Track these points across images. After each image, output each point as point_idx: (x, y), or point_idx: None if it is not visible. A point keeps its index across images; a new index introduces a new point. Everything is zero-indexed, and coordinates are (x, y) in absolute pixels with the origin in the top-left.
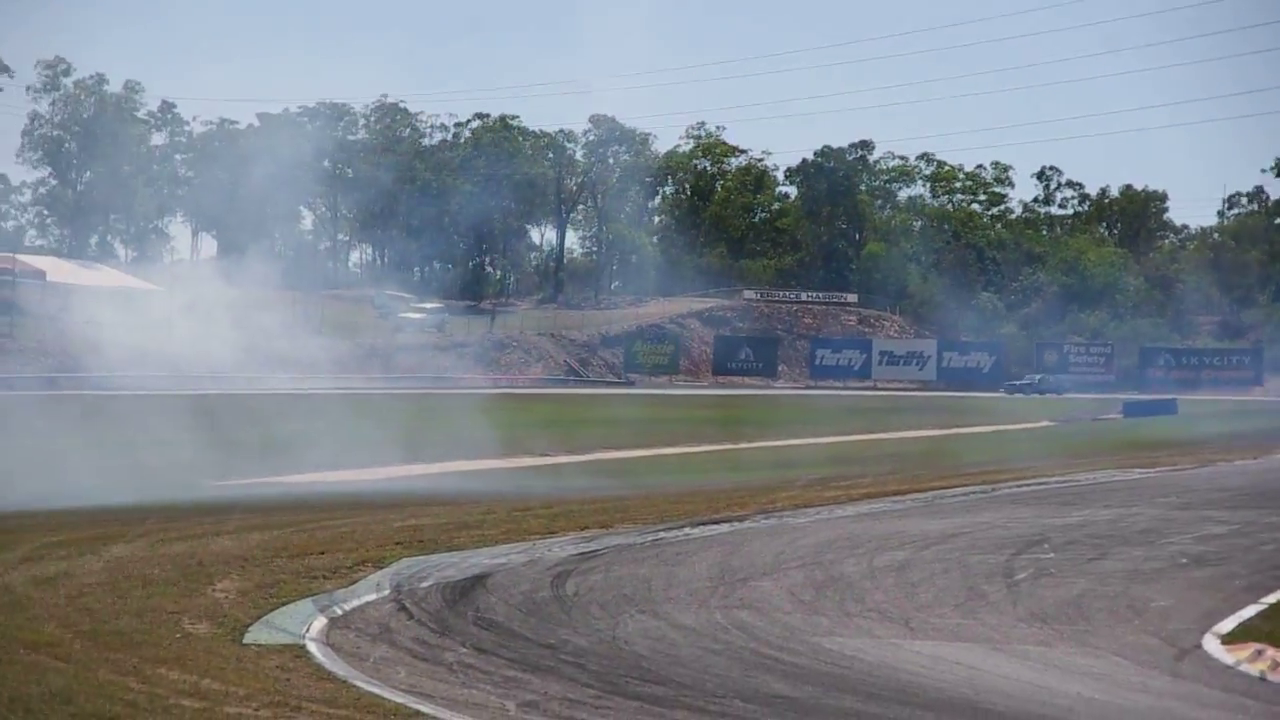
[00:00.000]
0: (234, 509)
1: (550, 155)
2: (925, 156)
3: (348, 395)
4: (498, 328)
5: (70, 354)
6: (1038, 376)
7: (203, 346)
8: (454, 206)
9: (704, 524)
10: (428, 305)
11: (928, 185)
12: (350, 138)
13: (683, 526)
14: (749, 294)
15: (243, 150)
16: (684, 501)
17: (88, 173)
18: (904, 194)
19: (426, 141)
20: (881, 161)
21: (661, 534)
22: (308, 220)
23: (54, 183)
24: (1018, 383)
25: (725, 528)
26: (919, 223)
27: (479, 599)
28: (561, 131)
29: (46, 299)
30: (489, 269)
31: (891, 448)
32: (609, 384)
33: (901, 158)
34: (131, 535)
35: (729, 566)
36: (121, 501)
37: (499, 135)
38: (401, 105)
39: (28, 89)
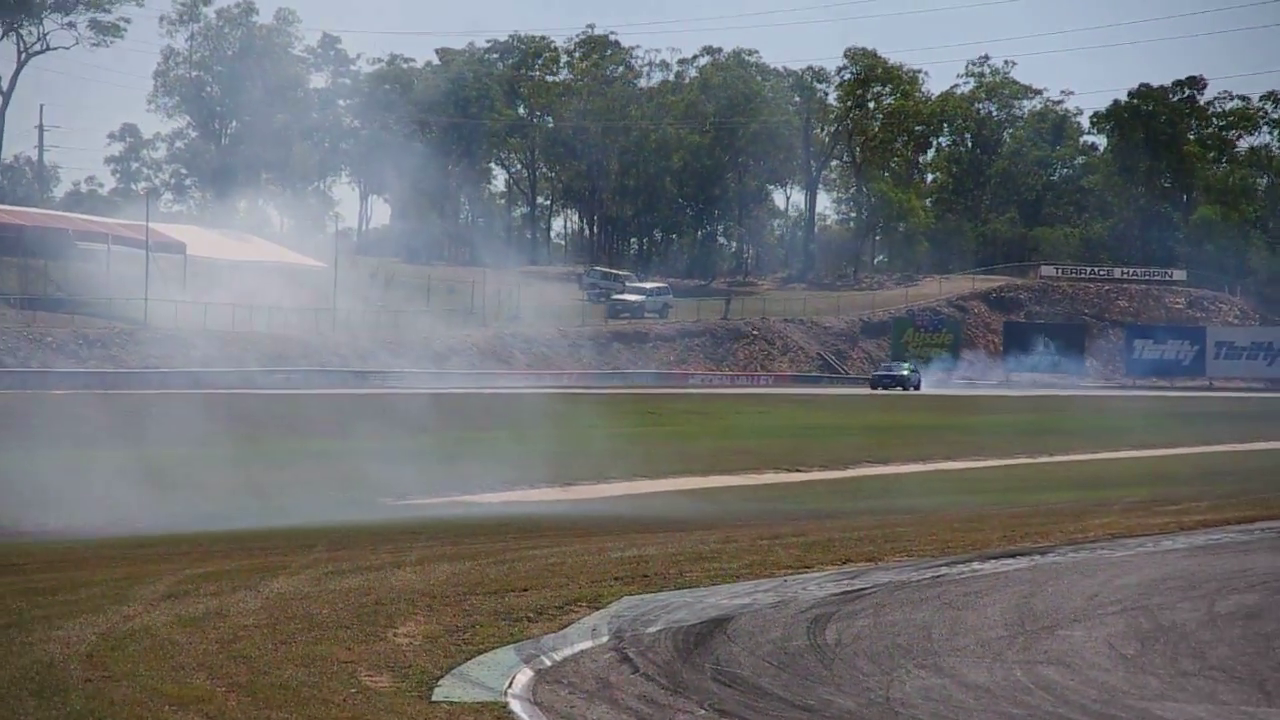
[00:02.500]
0: (417, 534)
1: (797, 99)
2: (1272, 96)
3: (548, 394)
4: (734, 312)
5: (217, 343)
6: None
7: (374, 336)
8: (678, 163)
9: (996, 557)
10: (648, 285)
11: (1276, 133)
12: (550, 78)
13: (969, 560)
14: (1047, 270)
15: (420, 94)
16: (970, 529)
17: (233, 123)
18: (1245, 144)
19: (643, 83)
20: (1215, 104)
21: (943, 570)
22: (499, 180)
23: (193, 135)
24: None
25: (1023, 562)
26: (1264, 180)
27: (718, 648)
28: (810, 70)
29: (187, 277)
30: (722, 240)
31: (1232, 463)
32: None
33: (1241, 98)
34: (295, 566)
35: (1030, 611)
36: (281, 524)
37: (732, 75)
38: (611, 38)
39: (160, 20)
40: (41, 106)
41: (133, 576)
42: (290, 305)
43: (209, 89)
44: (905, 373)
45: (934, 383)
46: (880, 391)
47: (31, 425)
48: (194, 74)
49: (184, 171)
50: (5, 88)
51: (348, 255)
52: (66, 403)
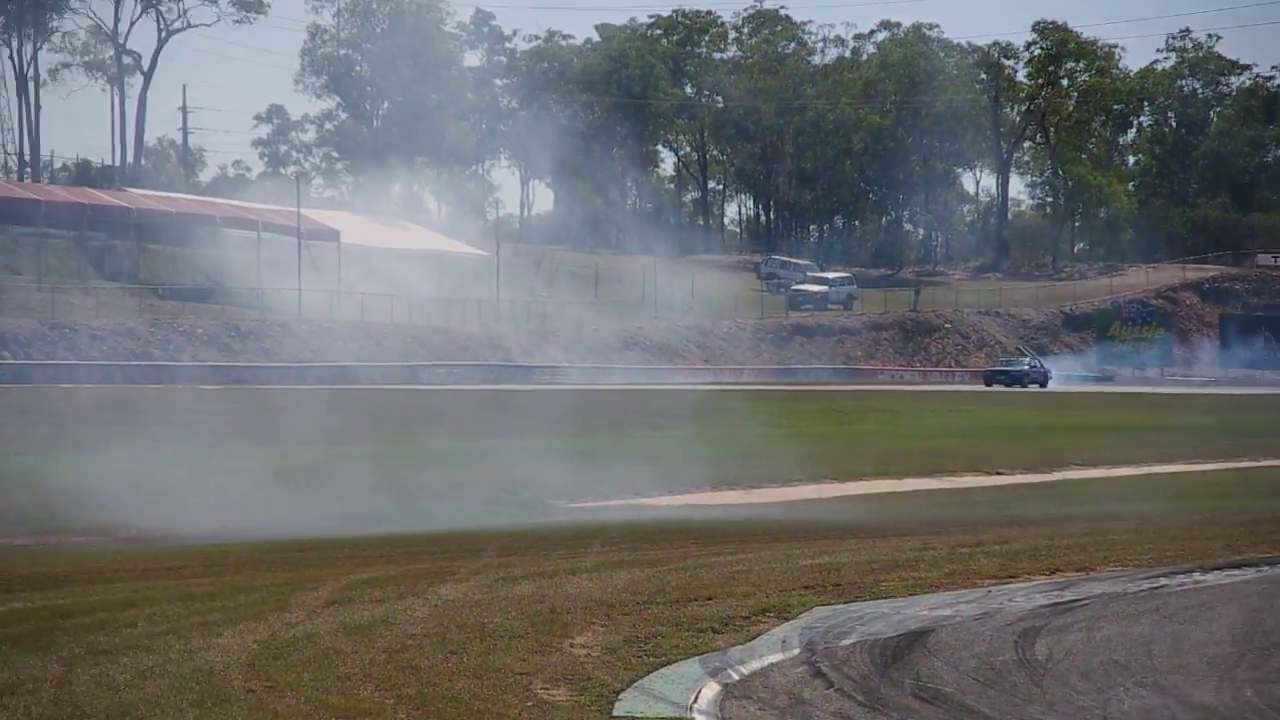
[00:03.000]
0: (593, 538)
1: (984, 76)
2: None
3: (724, 392)
4: (923, 304)
5: (372, 336)
6: None
7: (537, 329)
8: (858, 145)
9: (1220, 568)
10: (830, 275)
11: None
12: (717, 55)
13: (1190, 571)
14: (1265, 259)
15: (579, 73)
16: (1190, 537)
17: (385, 104)
18: None
19: (817, 60)
20: None
21: (1161, 580)
22: (667, 164)
23: (343, 116)
24: None
25: (1250, 574)
26: None
27: (919, 662)
28: (997, 45)
29: (341, 266)
30: (908, 227)
31: None
32: (1078, 378)
33: None
34: (464, 572)
35: (1260, 626)
36: (447, 527)
37: (913, 50)
38: (782, 13)
39: None
40: (184, 87)
41: (293, 582)
42: (449, 296)
43: (358, 68)
44: (1025, 368)
45: (1141, 380)
46: (998, 389)
47: (185, 422)
48: (342, 52)
49: (335, 155)
50: (146, 67)
51: (508, 243)
52: (216, 398)
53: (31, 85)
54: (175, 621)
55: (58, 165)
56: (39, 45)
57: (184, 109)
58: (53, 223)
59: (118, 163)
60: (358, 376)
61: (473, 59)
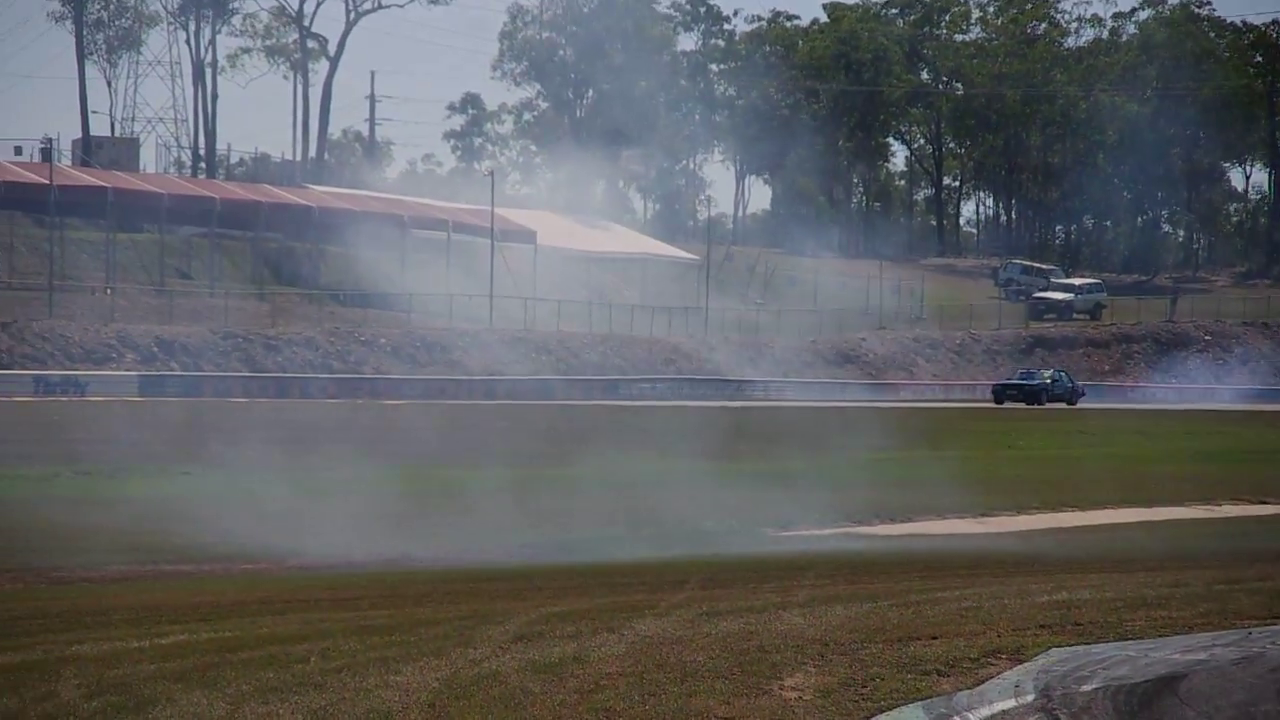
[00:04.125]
0: (806, 569)
1: (1259, 58)
2: None
3: (957, 408)
4: (1181, 313)
5: (571, 346)
6: None
7: (753, 340)
8: (1112, 138)
9: None
10: (1076, 281)
11: None
12: (959, 37)
13: None
14: None
15: (805, 57)
16: None
17: (590, 92)
18: None
19: (1070, 42)
20: None
21: None
22: (899, 158)
23: (544, 106)
24: None
25: None
26: None
27: (1168, 712)
28: (1275, 24)
29: (539, 269)
30: (1167, 228)
31: None
32: None
33: None
34: (664, 605)
35: None
36: (647, 555)
37: (1180, 31)
38: None
39: None
40: (372, 74)
41: (479, 615)
42: (653, 303)
43: (562, 53)
44: (1045, 381)
45: None
46: (1008, 406)
47: (364, 440)
48: (545, 35)
49: (533, 148)
50: (333, 52)
51: (721, 245)
52: (398, 414)
53: (209, 72)
54: (350, 657)
55: (234, 160)
56: (218, 28)
57: (371, 98)
58: (227, 223)
59: (298, 157)
60: (552, 391)
61: (687, 42)
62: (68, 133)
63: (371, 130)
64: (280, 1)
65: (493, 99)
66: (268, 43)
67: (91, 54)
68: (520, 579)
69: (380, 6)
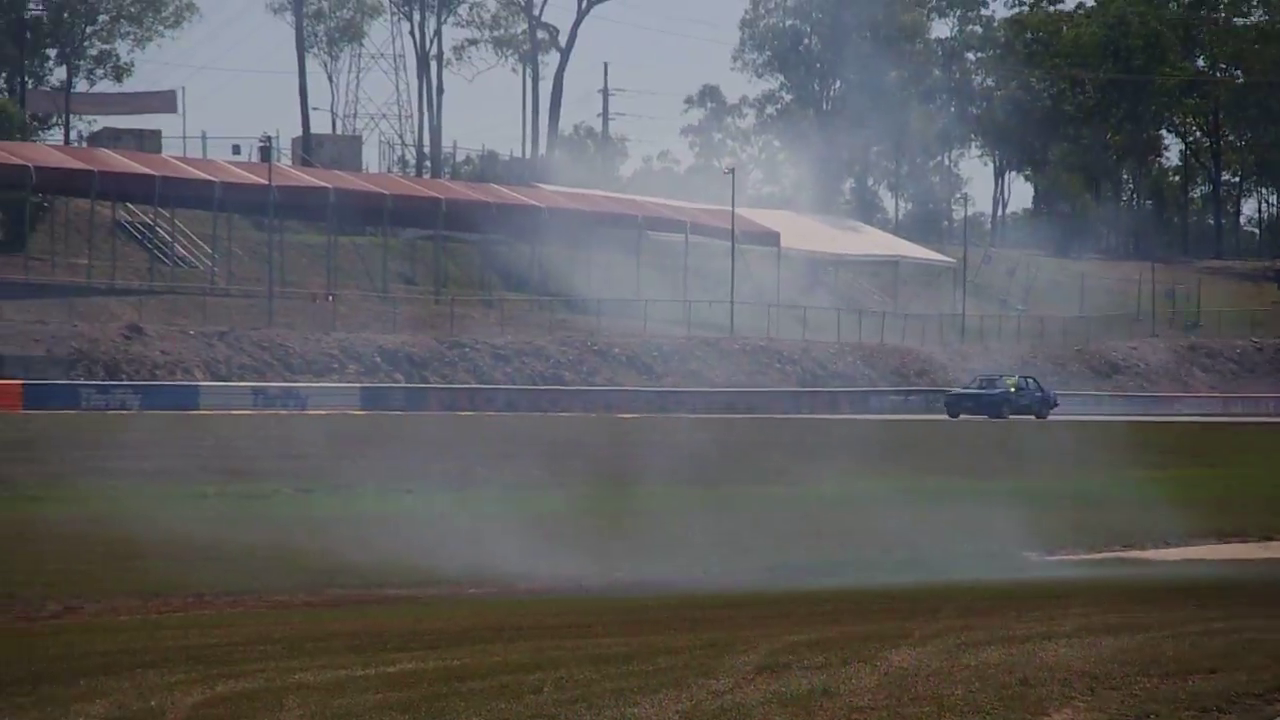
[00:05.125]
0: (1073, 597)
1: None
2: None
3: (1238, 424)
4: None
5: (816, 356)
6: None
7: (1011, 347)
8: None
9: None
10: None
11: None
12: (1239, 20)
13: None
14: None
15: (1069, 44)
16: None
17: (836, 83)
18: None
19: None
20: None
21: None
22: (1172, 152)
23: (787, 99)
24: None
25: None
26: None
27: None
28: None
29: (782, 273)
30: None
31: None
32: None
33: None
34: (917, 635)
35: None
36: (898, 581)
37: None
38: None
39: None
40: (605, 66)
41: (719, 643)
42: (905, 310)
43: (807, 42)
44: (1007, 390)
45: None
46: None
47: (596, 457)
48: (788, 23)
49: (776, 144)
50: (563, 44)
51: (978, 247)
52: (630, 429)
53: (434, 65)
54: (585, 687)
55: (460, 158)
56: (443, 19)
57: (604, 92)
58: (453, 224)
59: (527, 154)
60: (797, 404)
61: (941, 29)
62: (287, 130)
63: (604, 126)
64: None
65: (733, 92)
66: (495, 34)
67: (312, 47)
68: (762, 605)
69: None
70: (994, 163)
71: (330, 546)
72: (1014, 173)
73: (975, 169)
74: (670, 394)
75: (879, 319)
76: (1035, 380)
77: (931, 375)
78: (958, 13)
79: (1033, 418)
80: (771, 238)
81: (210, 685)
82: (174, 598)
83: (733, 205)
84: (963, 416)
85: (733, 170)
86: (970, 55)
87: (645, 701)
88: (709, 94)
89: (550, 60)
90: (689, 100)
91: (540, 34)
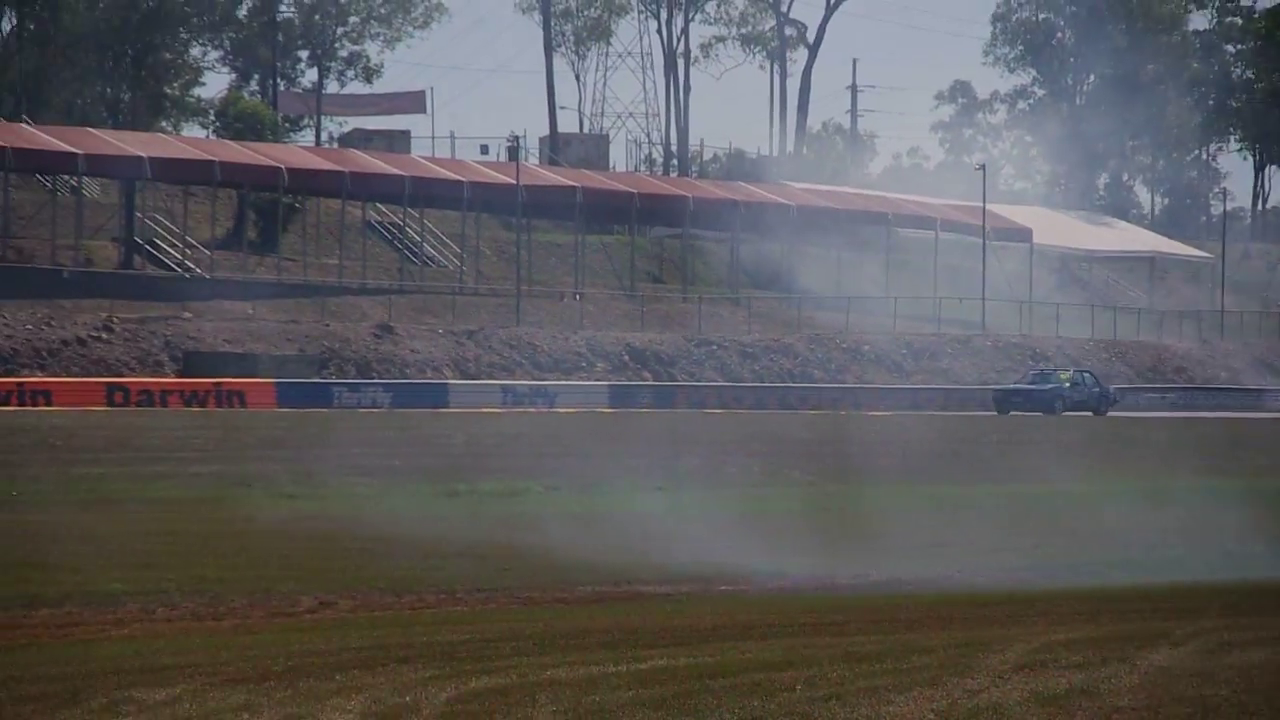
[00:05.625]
0: None
1: None
2: None
3: None
4: None
5: (1067, 354)
6: None
7: (1270, 344)
8: None
9: None
10: None
11: None
12: None
13: None
14: None
15: None
16: None
17: (1090, 77)
18: None
19: None
20: None
21: None
22: None
23: (1039, 94)
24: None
25: None
26: None
27: None
28: None
29: (1034, 271)
30: None
31: None
32: None
33: None
34: (1179, 634)
35: None
36: (1159, 580)
37: None
38: None
39: None
40: (854, 62)
41: (974, 641)
42: (1164, 306)
43: (1060, 35)
44: (1061, 385)
45: None
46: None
47: (843, 455)
48: (1041, 16)
49: (1028, 139)
50: (811, 40)
51: (1237, 243)
52: (886, 425)
53: (681, 63)
54: (838, 685)
55: (707, 156)
56: (690, 17)
57: (853, 88)
58: (700, 223)
59: (774, 151)
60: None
61: (1199, 20)
62: (535, 130)
63: (853, 122)
64: None
65: (984, 87)
66: (743, 31)
67: (560, 46)
68: (1018, 603)
69: None
70: (1253, 156)
71: (580, 543)
72: (1274, 166)
73: (1234, 163)
74: (920, 391)
75: (1134, 316)
76: (1093, 375)
77: (1189, 373)
78: (1216, 4)
79: (1090, 414)
80: (1023, 234)
81: (463, 681)
82: (427, 594)
83: (983, 201)
84: (1013, 413)
85: (983, 166)
86: (1230, 48)
87: (899, 700)
88: (959, 89)
89: (798, 57)
90: (939, 96)
91: (788, 30)
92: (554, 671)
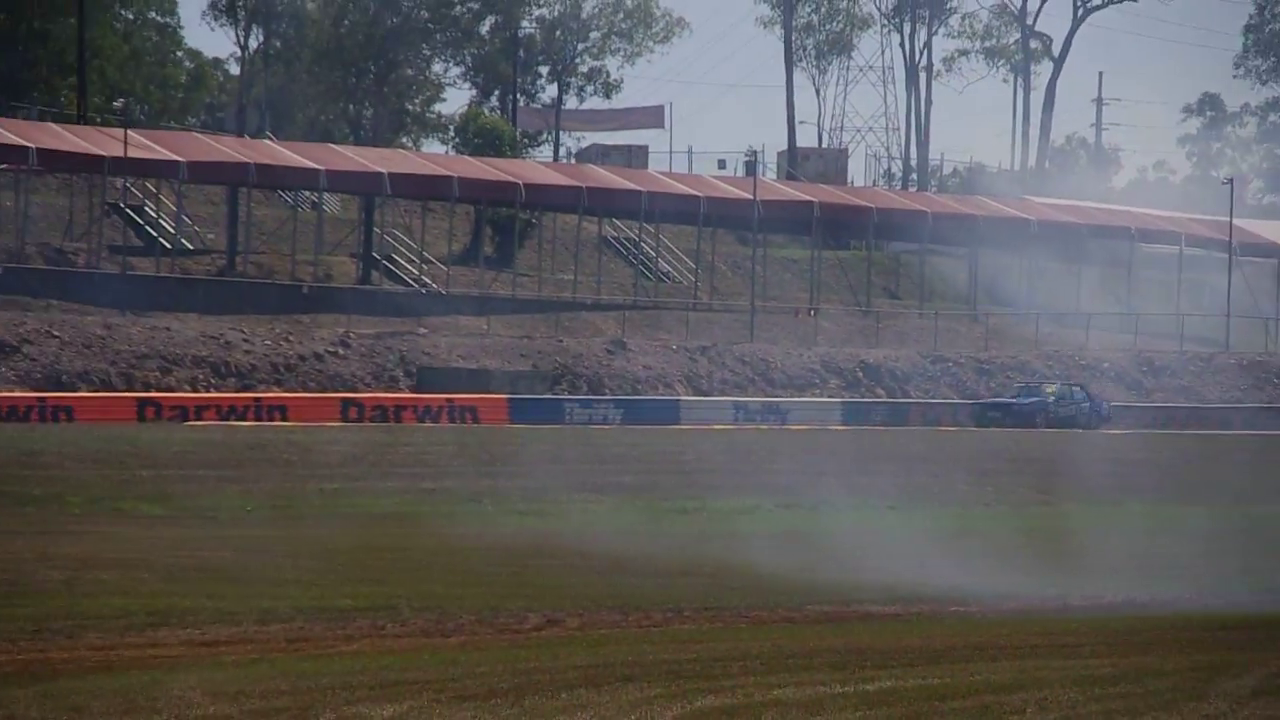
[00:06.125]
0: None
1: None
2: None
3: None
4: None
5: None
6: None
7: None
8: None
9: None
10: None
11: None
12: None
13: None
14: None
15: None
16: None
17: None
18: None
19: None
20: None
21: None
22: None
23: None
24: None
25: None
26: None
27: None
28: None
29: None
30: None
31: None
32: None
33: None
34: None
35: None
36: None
37: None
38: None
39: None
40: (1099, 75)
41: (1212, 665)
42: None
43: None
44: (1045, 399)
45: None
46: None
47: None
48: None
49: (1279, 153)
50: (1056, 53)
51: None
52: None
53: (923, 77)
54: (1069, 709)
55: (946, 170)
56: (934, 30)
57: (1098, 101)
58: (938, 238)
59: (1016, 166)
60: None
61: None
62: (772, 144)
63: (1098, 136)
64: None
65: (1234, 99)
66: (987, 44)
67: (800, 60)
68: (1257, 627)
69: (1110, 2)
70: None
71: (809, 562)
72: None
73: None
74: (1161, 409)
75: None
76: (1083, 389)
77: None
78: None
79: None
80: (1272, 249)
81: (689, 700)
82: (654, 612)
83: (1230, 216)
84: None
85: (1231, 180)
86: None
87: None
88: (1208, 102)
89: (1042, 70)
90: (1187, 109)
91: (1033, 43)
92: (780, 691)
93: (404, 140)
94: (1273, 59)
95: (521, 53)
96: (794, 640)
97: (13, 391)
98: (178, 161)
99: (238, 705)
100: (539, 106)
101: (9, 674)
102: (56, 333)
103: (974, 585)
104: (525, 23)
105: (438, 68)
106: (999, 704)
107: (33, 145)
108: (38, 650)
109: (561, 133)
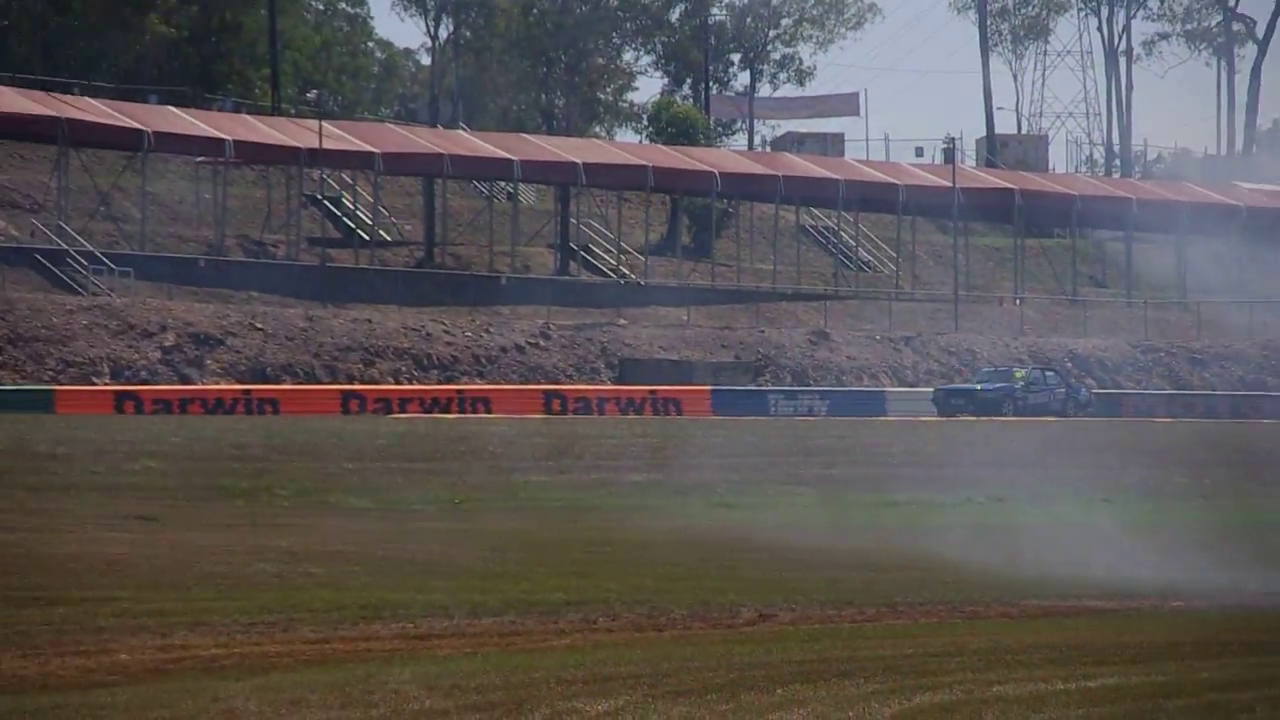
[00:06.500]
0: None
1: None
2: None
3: None
4: None
5: None
6: None
7: None
8: None
9: None
10: None
11: None
12: None
13: None
14: None
15: None
16: None
17: None
18: None
19: None
20: None
21: None
22: None
23: None
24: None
25: None
26: None
27: None
28: None
29: None
30: None
31: None
32: None
33: None
34: None
35: None
36: None
37: None
38: None
39: None
40: None
41: None
42: None
43: None
44: (1012, 385)
45: None
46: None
47: None
48: None
49: None
50: (1260, 35)
51: None
52: None
53: (1123, 61)
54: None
55: (1151, 156)
56: (1133, 13)
57: None
58: (1144, 225)
59: (1221, 150)
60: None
61: None
62: (970, 131)
63: None
64: None
65: None
66: (1188, 27)
67: (996, 46)
68: None
69: None
70: None
71: (1024, 556)
72: None
73: None
74: None
75: None
76: (1058, 374)
77: None
78: None
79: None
80: None
81: (907, 696)
82: (867, 606)
83: None
84: (960, 417)
85: None
86: None
87: None
88: None
89: (1246, 53)
90: None
91: (1235, 26)
92: (1000, 688)
93: (597, 130)
94: None
95: (712, 40)
96: (1012, 635)
97: (218, 384)
98: (373, 153)
99: (452, 699)
100: (732, 95)
101: (226, 667)
102: (260, 325)
103: (1196, 580)
104: (715, 9)
105: (628, 56)
106: (1226, 702)
107: (229, 138)
108: (253, 643)
109: (755, 121)
